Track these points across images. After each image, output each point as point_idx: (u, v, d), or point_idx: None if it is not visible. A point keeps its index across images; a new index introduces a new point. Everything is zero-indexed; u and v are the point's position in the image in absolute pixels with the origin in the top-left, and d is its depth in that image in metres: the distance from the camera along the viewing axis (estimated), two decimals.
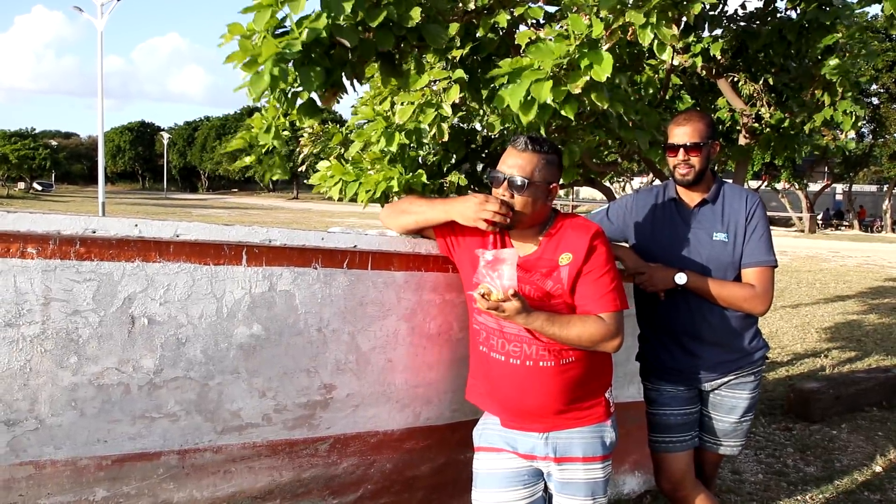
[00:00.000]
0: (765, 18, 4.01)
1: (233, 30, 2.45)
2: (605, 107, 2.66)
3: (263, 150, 3.79)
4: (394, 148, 3.23)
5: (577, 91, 2.54)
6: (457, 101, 3.27)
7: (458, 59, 3.44)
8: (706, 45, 4.04)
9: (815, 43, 3.56)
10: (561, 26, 2.80)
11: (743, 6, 4.23)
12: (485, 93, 3.23)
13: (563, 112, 2.55)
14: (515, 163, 2.10)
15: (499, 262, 1.98)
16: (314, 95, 2.61)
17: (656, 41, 2.67)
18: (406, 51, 2.65)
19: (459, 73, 3.23)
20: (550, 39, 2.69)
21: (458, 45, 3.41)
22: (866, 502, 3.81)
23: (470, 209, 2.11)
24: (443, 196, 3.89)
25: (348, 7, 2.29)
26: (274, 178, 4.10)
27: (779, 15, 3.95)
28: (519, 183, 2.08)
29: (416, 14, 2.44)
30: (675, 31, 2.70)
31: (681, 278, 2.51)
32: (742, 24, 4.14)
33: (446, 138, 3.25)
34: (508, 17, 3.11)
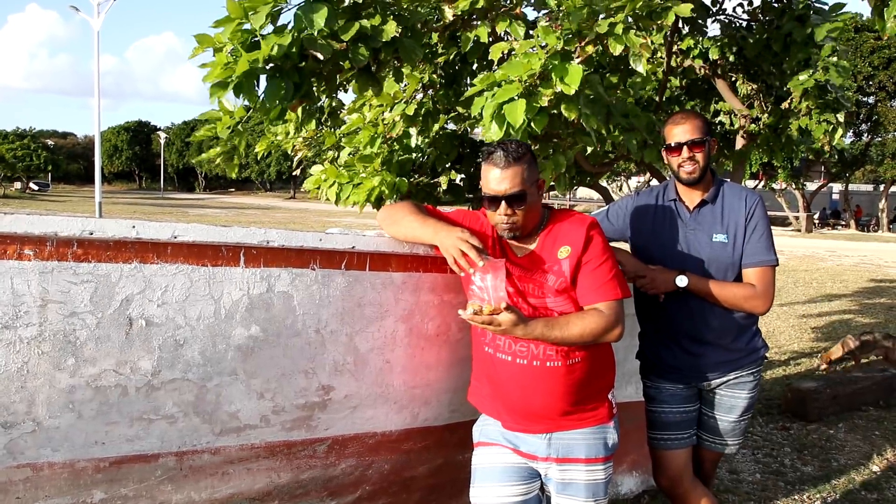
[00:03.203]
0: (759, 21, 4.02)
1: (202, 41, 2.44)
2: (574, 118, 2.65)
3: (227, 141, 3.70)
4: (375, 149, 3.26)
5: (545, 104, 2.54)
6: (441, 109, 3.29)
7: (441, 64, 3.47)
8: (704, 48, 4.06)
9: (794, 56, 3.63)
10: (537, 37, 2.79)
11: (741, 5, 4.23)
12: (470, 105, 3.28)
13: (532, 126, 2.55)
14: (504, 178, 2.07)
15: (489, 273, 1.97)
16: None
17: (630, 52, 2.66)
18: (384, 61, 2.64)
19: (429, 74, 3.26)
20: (525, 52, 2.70)
21: (441, 51, 3.43)
22: (863, 501, 3.82)
23: (448, 241, 2.10)
24: (436, 197, 3.89)
25: (321, 22, 2.28)
26: (233, 176, 4.01)
27: (767, 20, 3.96)
28: (517, 198, 2.07)
29: (390, 29, 2.43)
30: (645, 40, 2.68)
31: (682, 281, 2.51)
32: (740, 25, 4.14)
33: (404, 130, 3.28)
34: (489, 30, 3.09)
